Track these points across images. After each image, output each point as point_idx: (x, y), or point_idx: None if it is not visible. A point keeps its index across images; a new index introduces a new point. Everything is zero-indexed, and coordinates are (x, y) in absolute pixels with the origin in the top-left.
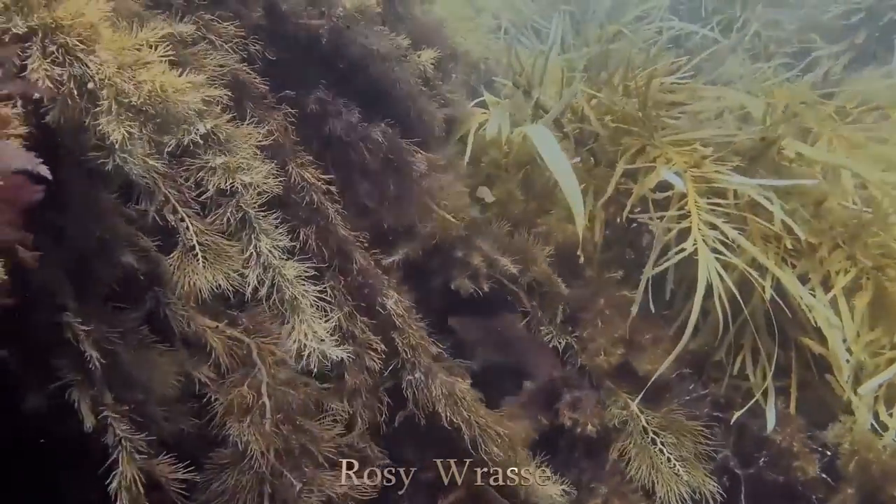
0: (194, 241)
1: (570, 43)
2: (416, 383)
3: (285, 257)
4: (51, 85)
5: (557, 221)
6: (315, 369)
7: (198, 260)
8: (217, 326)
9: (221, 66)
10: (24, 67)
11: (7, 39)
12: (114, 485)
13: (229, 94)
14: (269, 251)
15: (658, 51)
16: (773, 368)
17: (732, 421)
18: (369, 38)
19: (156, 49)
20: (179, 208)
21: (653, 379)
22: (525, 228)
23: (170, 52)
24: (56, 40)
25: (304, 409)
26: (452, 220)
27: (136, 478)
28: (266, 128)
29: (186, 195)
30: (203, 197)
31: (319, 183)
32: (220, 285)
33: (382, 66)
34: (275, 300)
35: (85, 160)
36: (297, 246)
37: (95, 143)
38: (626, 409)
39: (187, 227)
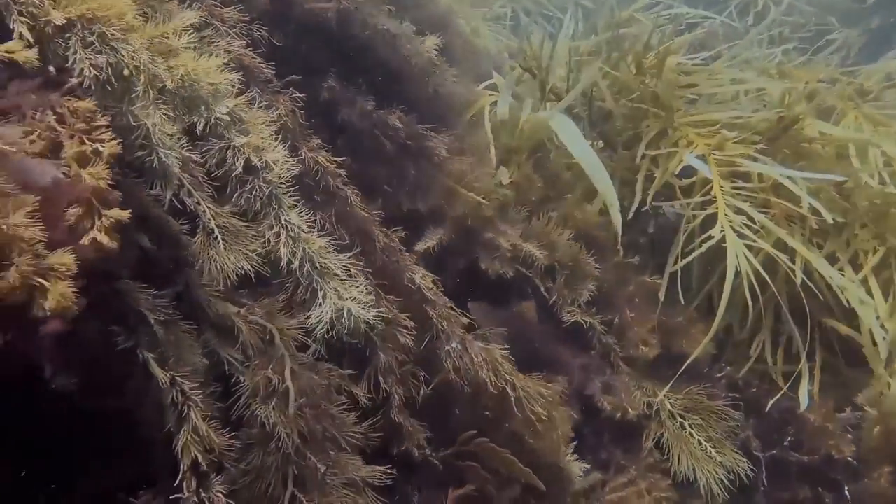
0: (212, 225)
1: (580, 30)
2: (454, 353)
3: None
4: (95, 73)
5: (573, 205)
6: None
7: (218, 243)
8: (239, 312)
9: (229, 51)
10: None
11: (50, 31)
12: (181, 443)
13: (239, 78)
14: (298, 225)
15: (671, 34)
16: (806, 348)
17: (769, 406)
18: (378, 17)
19: (180, 37)
20: (194, 192)
21: (688, 362)
22: (543, 212)
23: (193, 41)
24: (94, 30)
25: (327, 395)
26: (482, 201)
27: (206, 433)
28: (275, 112)
29: (200, 178)
30: (220, 176)
31: (333, 166)
32: (242, 267)
33: (394, 44)
34: (307, 269)
35: None
36: (315, 229)
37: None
38: (654, 395)
39: (204, 211)
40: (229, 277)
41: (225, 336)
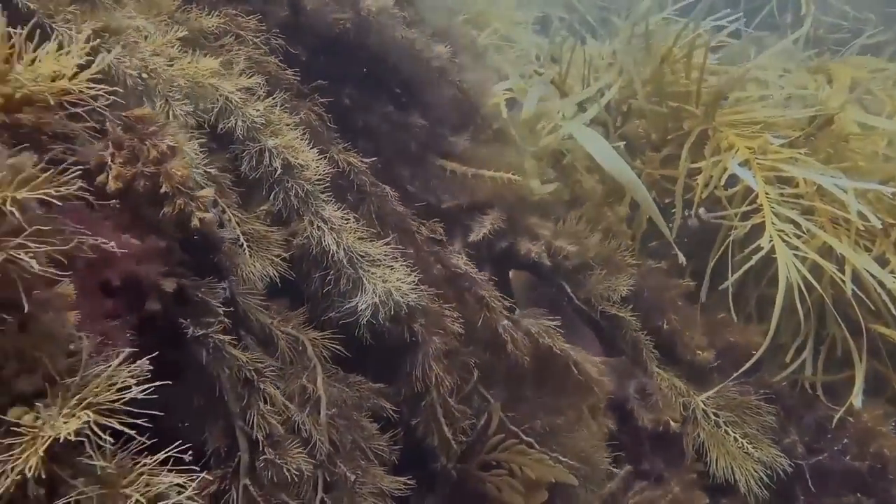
0: (238, 232)
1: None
2: (508, 328)
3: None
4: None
5: (597, 208)
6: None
7: (244, 250)
8: (273, 322)
9: (250, 57)
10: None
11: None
12: (255, 417)
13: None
14: (339, 218)
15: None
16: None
17: (842, 410)
18: (395, 27)
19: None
20: (219, 200)
21: (745, 367)
22: (572, 213)
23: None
24: (119, 40)
25: (357, 406)
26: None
27: (281, 403)
28: (300, 115)
29: (224, 185)
30: (249, 181)
31: (364, 166)
32: (268, 274)
33: (411, 51)
34: (350, 258)
35: None
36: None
37: None
38: (687, 395)
39: (230, 218)
40: (255, 286)
41: (265, 344)
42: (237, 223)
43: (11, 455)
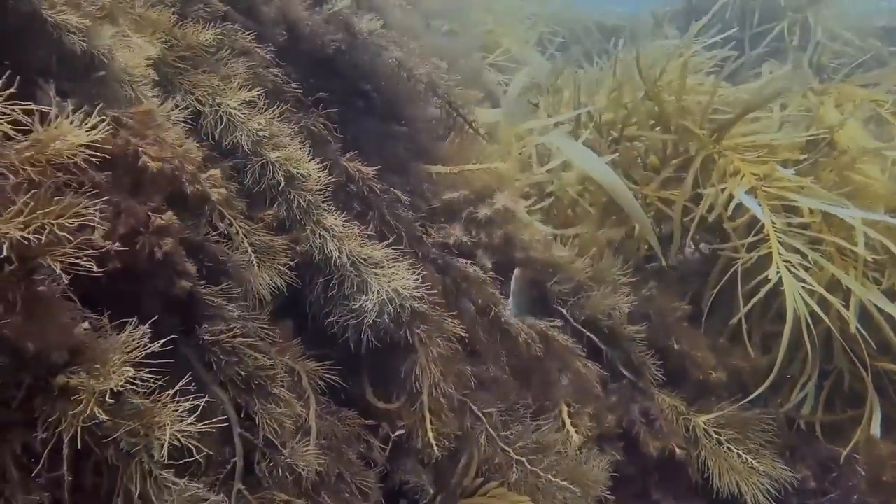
0: (246, 244)
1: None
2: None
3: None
4: None
5: (592, 229)
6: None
7: (252, 263)
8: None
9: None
10: None
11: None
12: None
13: (264, 95)
14: (333, 226)
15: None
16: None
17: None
18: (386, 46)
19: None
20: (226, 213)
21: (751, 397)
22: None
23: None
24: None
25: (347, 440)
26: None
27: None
28: (302, 125)
29: (229, 197)
30: (255, 192)
31: (372, 172)
32: (276, 285)
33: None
34: (353, 262)
35: None
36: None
37: None
38: (686, 414)
39: (237, 231)
40: (264, 298)
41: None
42: (244, 235)
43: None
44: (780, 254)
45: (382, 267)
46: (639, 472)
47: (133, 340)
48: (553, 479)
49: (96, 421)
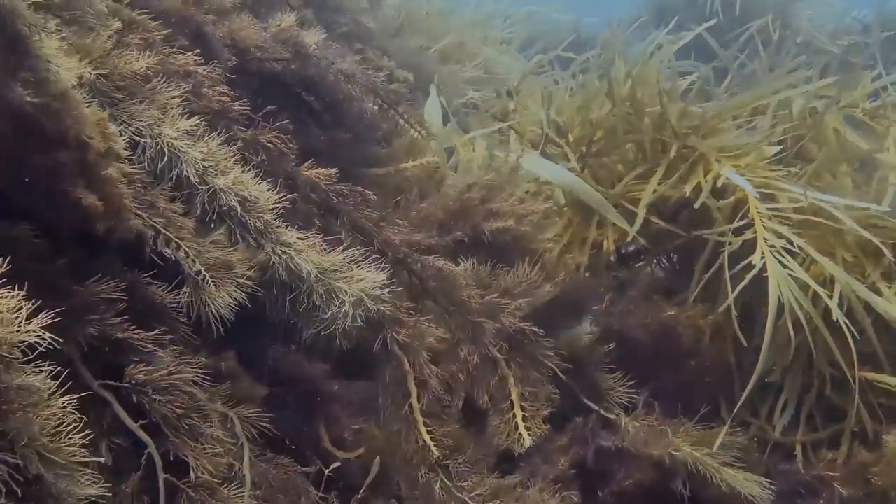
0: (198, 266)
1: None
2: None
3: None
4: None
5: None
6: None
7: (208, 283)
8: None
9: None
10: None
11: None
12: None
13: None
14: (294, 241)
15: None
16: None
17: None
18: (338, 63)
19: None
20: (172, 237)
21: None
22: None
23: None
24: None
25: (283, 489)
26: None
27: None
28: (255, 140)
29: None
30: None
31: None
32: (236, 299)
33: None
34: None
35: None
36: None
37: None
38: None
39: (185, 255)
40: (224, 319)
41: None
42: (194, 258)
43: None
44: (765, 238)
45: (350, 272)
46: None
47: None
48: None
49: None
